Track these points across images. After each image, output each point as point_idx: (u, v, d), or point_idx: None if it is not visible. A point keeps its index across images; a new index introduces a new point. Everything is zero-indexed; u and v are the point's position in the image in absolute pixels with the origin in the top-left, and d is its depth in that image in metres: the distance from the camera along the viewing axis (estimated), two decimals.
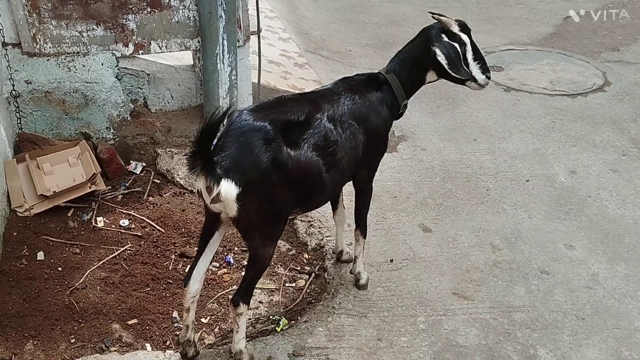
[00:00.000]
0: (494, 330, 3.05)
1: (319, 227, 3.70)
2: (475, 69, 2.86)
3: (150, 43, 4.15)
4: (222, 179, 2.20)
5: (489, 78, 2.92)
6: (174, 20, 4.12)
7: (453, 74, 2.83)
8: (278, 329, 3.01)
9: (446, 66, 2.81)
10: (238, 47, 4.23)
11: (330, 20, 7.48)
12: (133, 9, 4.02)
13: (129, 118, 4.19)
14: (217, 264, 3.43)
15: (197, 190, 2.41)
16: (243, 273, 3.37)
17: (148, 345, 2.87)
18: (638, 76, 6.01)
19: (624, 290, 3.35)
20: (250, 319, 3.09)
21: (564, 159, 4.61)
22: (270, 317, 3.11)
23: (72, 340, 2.86)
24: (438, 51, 2.81)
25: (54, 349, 2.79)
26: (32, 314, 2.97)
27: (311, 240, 3.61)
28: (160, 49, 4.19)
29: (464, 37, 2.82)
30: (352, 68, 5.97)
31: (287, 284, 3.33)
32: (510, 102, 5.52)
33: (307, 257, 3.55)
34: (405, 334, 3.00)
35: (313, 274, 3.41)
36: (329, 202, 3.07)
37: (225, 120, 2.29)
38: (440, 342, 2.97)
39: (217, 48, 4.07)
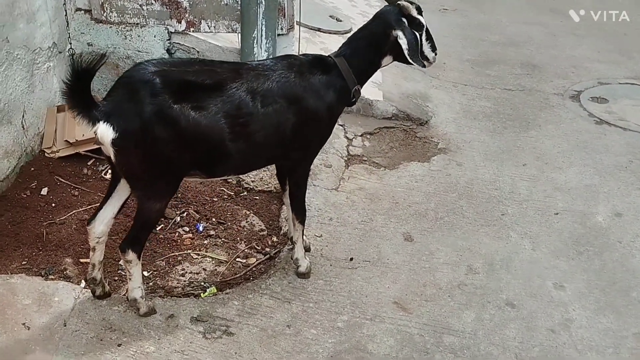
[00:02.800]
0: (412, 346, 2.85)
1: None
2: (427, 49, 2.86)
3: (200, 22, 4.45)
4: (100, 121, 2.35)
5: (436, 55, 2.91)
6: (222, 2, 4.38)
7: (411, 60, 2.80)
8: (202, 295, 3.08)
9: (406, 52, 2.78)
10: (279, 35, 4.37)
11: (444, 34, 7.28)
12: None
13: None
14: (187, 229, 3.58)
15: None
16: (206, 241, 3.51)
17: (83, 282, 3.10)
18: None
19: (593, 343, 2.93)
20: (185, 281, 3.20)
21: (617, 199, 4.10)
22: (203, 283, 3.19)
23: (24, 262, 3.18)
24: (401, 34, 2.77)
25: (4, 266, 3.13)
26: (7, 234, 3.35)
27: (285, 225, 3.62)
28: (210, 28, 4.47)
29: (422, 19, 2.74)
30: (432, 79, 5.83)
31: (238, 259, 3.38)
32: (593, 135, 5.01)
33: (274, 240, 3.57)
34: (317, 328, 2.92)
35: (268, 256, 3.42)
36: None
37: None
38: (348, 343, 2.84)
39: (255, 32, 4.24)
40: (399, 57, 2.87)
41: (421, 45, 2.84)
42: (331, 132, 3.02)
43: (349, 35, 5.86)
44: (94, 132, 2.38)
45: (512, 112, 5.34)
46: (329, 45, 5.32)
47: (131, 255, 2.67)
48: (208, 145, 2.56)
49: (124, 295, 2.97)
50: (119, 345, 2.71)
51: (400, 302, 3.11)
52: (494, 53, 6.74)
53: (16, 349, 2.61)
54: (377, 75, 5.07)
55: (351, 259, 3.38)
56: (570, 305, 3.17)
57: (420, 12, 2.83)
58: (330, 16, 6.05)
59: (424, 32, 2.85)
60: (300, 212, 3.07)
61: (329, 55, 2.93)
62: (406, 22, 2.81)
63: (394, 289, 3.20)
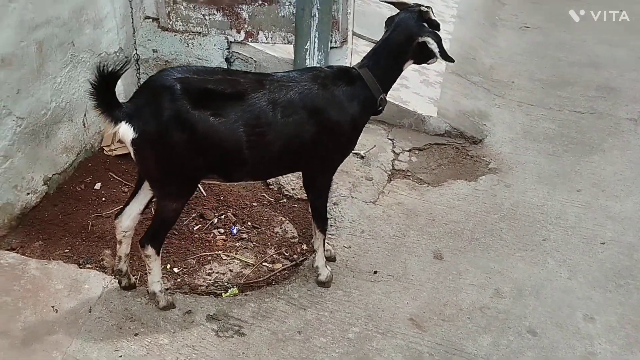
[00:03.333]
0: None
1: (333, 226, 3.73)
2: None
3: (258, 33, 4.61)
4: (122, 122, 2.51)
5: None
6: (280, 14, 4.51)
7: (444, 59, 2.90)
8: (224, 295, 3.19)
9: (438, 54, 2.87)
10: (332, 47, 4.44)
11: (519, 52, 7.14)
12: None
13: None
14: (222, 230, 3.71)
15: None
16: (238, 244, 3.63)
17: None
18: None
19: None
20: (210, 280, 3.33)
21: None
22: (226, 284, 3.29)
23: (66, 250, 3.41)
24: (430, 40, 2.86)
25: (49, 252, 3.38)
26: (57, 224, 3.61)
27: None
28: (267, 39, 4.62)
29: (438, 20, 2.77)
30: (496, 97, 5.71)
31: (265, 263, 3.47)
32: None
33: (304, 247, 3.63)
34: (327, 336, 2.95)
35: (294, 262, 3.49)
36: None
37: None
38: (355, 355, 2.86)
39: (307, 44, 4.34)
40: (419, 59, 2.98)
41: None
42: (355, 144, 3.06)
43: None
44: (117, 132, 2.54)
45: (577, 135, 5.14)
46: None
47: (150, 251, 2.81)
48: (224, 152, 2.66)
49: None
50: (136, 335, 2.85)
51: (416, 319, 3.08)
52: (569, 73, 6.50)
53: (42, 328, 2.81)
54: (434, 91, 5.07)
55: (375, 272, 3.39)
56: (597, 338, 3.02)
57: (432, 13, 2.91)
58: None
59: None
60: (320, 221, 3.12)
61: (353, 67, 2.97)
62: (427, 26, 2.86)
63: (413, 306, 3.17)
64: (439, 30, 2.93)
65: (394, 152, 4.55)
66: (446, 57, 2.90)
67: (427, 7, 2.92)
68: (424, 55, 2.94)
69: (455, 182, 4.32)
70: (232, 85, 2.65)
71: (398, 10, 3.03)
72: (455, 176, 4.40)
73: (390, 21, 2.97)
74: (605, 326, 3.10)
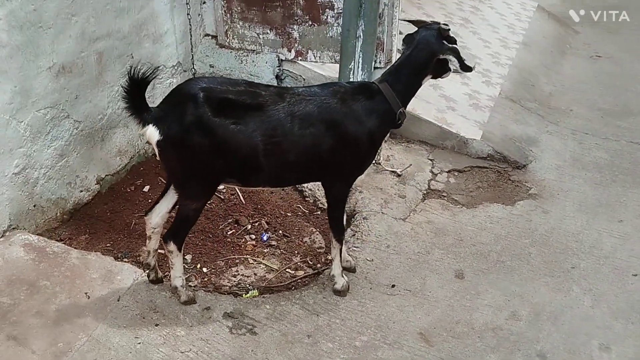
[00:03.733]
0: None
1: (359, 239, 3.84)
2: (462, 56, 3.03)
3: (307, 52, 4.83)
4: (149, 124, 2.75)
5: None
6: (328, 34, 4.71)
7: (465, 71, 3.08)
8: (244, 296, 3.37)
9: (460, 69, 3.04)
10: (376, 67, 4.58)
11: (585, 81, 7.00)
12: (298, 20, 4.74)
13: None
14: (254, 236, 3.90)
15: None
16: (266, 250, 3.80)
17: None
18: None
19: None
20: (235, 281, 3.51)
21: None
22: (248, 286, 3.47)
23: (108, 245, 3.70)
24: (452, 58, 3.02)
25: (93, 245, 3.67)
26: (105, 220, 3.92)
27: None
28: (315, 58, 4.83)
29: (453, 35, 2.93)
30: (549, 124, 5.65)
31: (288, 270, 3.63)
32: None
33: (329, 258, 3.74)
34: (335, 342, 3.05)
35: (316, 271, 3.62)
36: None
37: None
38: None
39: (352, 64, 4.49)
40: (437, 74, 3.13)
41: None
42: (373, 157, 3.18)
43: (469, 74, 5.90)
44: (144, 133, 2.78)
45: (630, 166, 5.00)
46: (440, 81, 5.38)
47: (172, 246, 3.02)
48: (242, 157, 2.86)
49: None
50: (156, 325, 3.07)
51: (425, 334, 3.13)
52: (635, 104, 6.30)
53: (73, 312, 3.07)
54: (482, 115, 5.10)
55: (393, 286, 3.46)
56: None
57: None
58: None
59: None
60: (336, 231, 3.24)
61: (373, 82, 3.10)
62: (447, 44, 3.00)
63: (425, 321, 3.22)
64: (456, 43, 3.07)
65: (432, 172, 4.60)
66: (466, 68, 3.06)
67: (444, 24, 3.04)
68: (442, 70, 3.10)
69: (491, 205, 4.32)
70: (252, 96, 2.85)
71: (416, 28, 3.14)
72: (492, 199, 4.40)
73: (410, 39, 3.09)
74: (620, 357, 3.04)
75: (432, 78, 3.17)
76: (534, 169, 4.82)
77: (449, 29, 3.02)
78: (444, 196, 4.38)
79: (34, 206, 3.61)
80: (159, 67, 2.78)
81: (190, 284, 3.46)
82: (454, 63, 3.01)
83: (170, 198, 3.12)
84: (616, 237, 4.03)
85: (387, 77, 3.09)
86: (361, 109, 2.99)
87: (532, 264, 3.72)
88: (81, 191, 3.96)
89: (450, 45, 3.01)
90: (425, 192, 4.39)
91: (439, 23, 3.07)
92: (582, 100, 6.35)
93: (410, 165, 4.57)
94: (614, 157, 5.14)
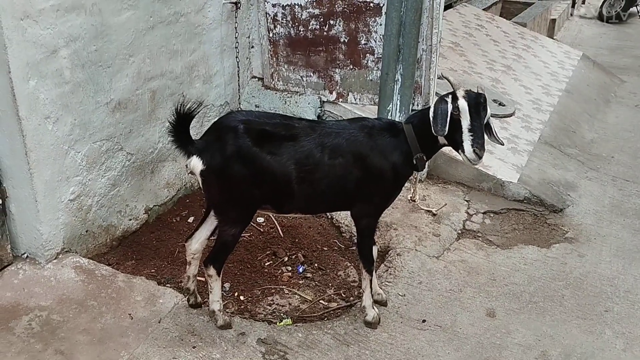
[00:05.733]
0: None
1: (392, 274, 3.94)
2: (466, 139, 2.95)
3: (348, 94, 5.04)
4: (193, 155, 2.96)
5: (477, 155, 2.95)
6: (368, 78, 4.92)
7: (432, 128, 3.00)
8: (278, 324, 3.49)
9: (431, 120, 3.00)
10: (413, 110, 4.74)
11: (629, 129, 7.01)
12: (340, 64, 4.97)
13: None
14: (290, 268, 4.04)
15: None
16: (301, 281, 3.94)
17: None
18: None
19: None
20: (270, 309, 3.65)
21: None
22: (283, 315, 3.60)
23: (152, 271, 3.90)
24: (432, 107, 3.01)
25: (138, 270, 3.87)
26: (150, 247, 4.13)
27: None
28: (355, 100, 5.03)
29: (463, 104, 2.92)
30: (589, 170, 5.67)
31: (321, 301, 3.74)
32: None
33: (361, 291, 3.85)
34: None
35: (349, 304, 3.72)
36: None
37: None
38: None
39: (390, 105, 4.68)
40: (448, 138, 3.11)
41: (460, 131, 2.99)
42: (398, 191, 3.30)
43: (508, 119, 6.00)
44: (188, 164, 2.99)
45: None
46: None
47: (212, 271, 3.19)
48: (276, 185, 3.03)
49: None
50: (194, 347, 3.21)
51: None
52: None
53: (116, 330, 3.25)
54: (520, 159, 5.19)
55: (424, 321, 3.53)
56: None
57: (469, 99, 2.97)
58: (494, 100, 6.23)
59: (466, 119, 2.97)
60: (366, 262, 3.35)
61: (399, 121, 3.25)
62: (449, 101, 3.02)
63: (453, 356, 3.27)
64: (457, 111, 2.97)
65: (467, 212, 4.68)
66: (435, 127, 3.01)
67: (466, 90, 3.03)
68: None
69: (525, 247, 4.36)
70: (287, 129, 3.04)
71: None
72: (527, 242, 4.44)
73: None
74: None
75: (447, 144, 3.14)
76: (571, 214, 4.85)
77: (460, 90, 2.99)
78: (479, 236, 4.45)
79: (86, 231, 3.85)
80: (202, 102, 2.98)
81: (227, 310, 3.60)
82: (430, 112, 3.04)
83: (209, 225, 3.30)
84: None
85: (412, 118, 3.22)
86: (385, 144, 3.12)
87: (565, 306, 3.73)
88: (130, 219, 4.18)
89: (445, 101, 3.00)
90: (460, 231, 4.47)
91: (480, 94, 3.04)
92: (624, 147, 6.35)
93: (446, 204, 4.66)
94: None
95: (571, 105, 7.22)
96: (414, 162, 3.16)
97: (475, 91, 3.04)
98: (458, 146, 3.01)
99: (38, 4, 3.24)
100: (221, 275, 3.26)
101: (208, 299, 3.36)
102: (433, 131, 2.99)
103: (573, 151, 5.98)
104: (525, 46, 8.74)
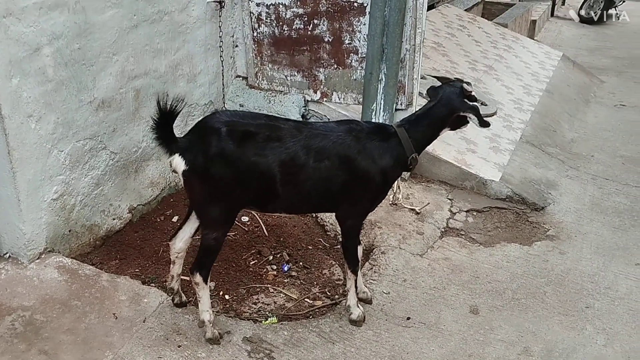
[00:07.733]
0: None
1: (377, 272, 3.97)
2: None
3: (332, 93, 5.05)
4: (176, 154, 2.95)
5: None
6: (352, 77, 4.94)
7: (483, 127, 3.21)
8: (263, 322, 3.50)
9: (478, 126, 3.18)
10: (397, 109, 4.78)
11: (608, 129, 7.12)
12: (324, 63, 4.98)
13: None
14: (275, 267, 4.05)
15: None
16: (286, 280, 3.95)
17: None
18: None
19: None
20: (255, 308, 3.65)
21: None
22: (268, 313, 3.60)
23: (137, 270, 3.88)
24: (471, 116, 3.16)
25: (122, 270, 3.85)
26: (135, 247, 4.10)
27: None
28: (339, 100, 5.05)
29: (475, 93, 3.03)
30: (570, 169, 5.74)
31: (306, 299, 3.75)
32: None
33: (346, 289, 3.86)
34: None
35: (334, 302, 3.74)
36: None
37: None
38: None
39: (374, 105, 4.71)
40: (454, 127, 3.26)
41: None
42: (385, 194, 3.32)
43: (490, 118, 6.06)
44: (170, 162, 2.98)
45: None
46: None
47: (198, 278, 3.16)
48: (260, 186, 3.03)
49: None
50: (179, 346, 3.21)
51: None
52: None
53: (100, 330, 3.24)
54: (502, 158, 5.24)
55: (408, 319, 3.56)
56: None
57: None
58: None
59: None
60: (351, 262, 3.37)
61: (390, 125, 3.27)
62: (468, 102, 3.13)
63: (437, 353, 3.30)
64: (477, 101, 3.22)
65: (450, 211, 4.72)
66: (484, 124, 3.20)
67: (467, 82, 3.22)
68: (460, 124, 3.26)
69: (508, 244, 4.41)
70: (272, 129, 3.03)
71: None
72: (510, 239, 4.49)
73: (433, 92, 3.26)
74: None
75: (450, 130, 3.30)
76: (552, 212, 4.91)
77: (472, 91, 3.17)
78: (462, 234, 4.49)
79: (69, 231, 3.82)
80: (184, 100, 2.97)
81: (212, 309, 3.59)
82: (473, 120, 3.17)
83: (193, 224, 3.29)
84: (632, 280, 4.07)
85: (405, 123, 3.25)
86: (373, 147, 3.14)
87: (547, 303, 3.78)
88: (114, 219, 4.16)
89: (471, 103, 3.15)
90: (443, 230, 4.51)
91: (462, 81, 3.23)
92: (604, 147, 6.45)
93: (429, 203, 4.69)
94: (633, 202, 5.21)
95: (552, 105, 7.31)
96: (409, 162, 3.19)
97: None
98: (464, 124, 3.24)
99: (21, 1, 3.22)
100: (208, 283, 3.22)
101: (193, 299, 3.34)
102: (485, 127, 3.18)
103: (554, 150, 6.06)
104: (506, 47, 8.83)
